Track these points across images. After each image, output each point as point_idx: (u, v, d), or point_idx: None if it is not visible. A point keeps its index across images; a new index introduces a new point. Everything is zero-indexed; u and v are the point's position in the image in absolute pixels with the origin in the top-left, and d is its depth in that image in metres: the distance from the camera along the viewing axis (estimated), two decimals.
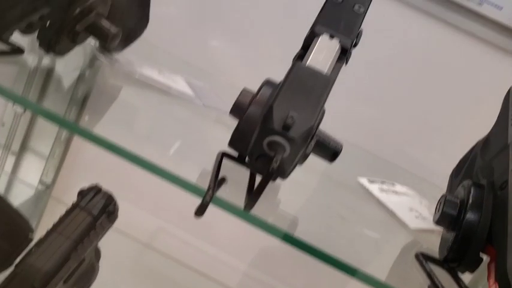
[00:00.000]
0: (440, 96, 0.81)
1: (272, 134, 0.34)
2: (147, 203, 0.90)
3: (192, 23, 0.86)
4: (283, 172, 0.38)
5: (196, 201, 0.37)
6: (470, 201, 0.43)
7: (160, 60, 0.66)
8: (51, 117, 0.47)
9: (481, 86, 0.79)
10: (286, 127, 0.34)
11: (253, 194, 0.36)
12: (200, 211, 0.36)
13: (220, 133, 0.43)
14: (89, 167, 0.88)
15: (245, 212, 0.38)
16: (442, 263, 0.43)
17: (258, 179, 0.37)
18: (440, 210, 0.44)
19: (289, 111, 0.35)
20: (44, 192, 0.87)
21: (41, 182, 0.87)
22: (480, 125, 0.53)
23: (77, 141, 0.87)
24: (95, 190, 0.51)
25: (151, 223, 0.92)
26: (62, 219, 0.49)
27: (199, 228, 0.90)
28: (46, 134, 0.86)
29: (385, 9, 0.78)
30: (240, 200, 0.39)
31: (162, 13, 0.84)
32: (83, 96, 0.54)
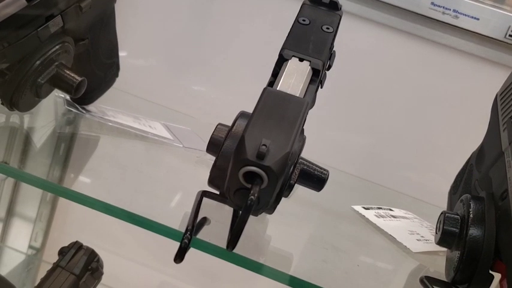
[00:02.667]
0: (429, 113, 0.80)
1: (246, 165, 0.32)
2: (143, 257, 0.87)
3: (171, 72, 0.86)
4: (265, 204, 0.35)
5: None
6: (471, 215, 0.40)
7: (137, 108, 0.65)
8: (34, 183, 0.46)
9: (467, 97, 0.78)
10: (260, 156, 0.32)
11: (234, 231, 0.33)
12: (179, 256, 0.33)
13: (202, 174, 0.41)
14: (79, 225, 0.86)
15: (230, 253, 0.35)
16: (450, 285, 0.40)
17: None
18: (440, 230, 0.41)
19: (262, 139, 0.33)
20: (35, 256, 0.85)
21: (30, 246, 0.85)
22: (473, 136, 0.52)
23: (64, 201, 0.84)
24: (76, 247, 0.49)
25: (148, 277, 0.88)
26: (42, 282, 0.46)
27: (202, 279, 0.86)
28: (31, 196, 0.84)
29: (361, 32, 0.77)
30: (225, 241, 0.36)
31: (140, 65, 0.84)
32: (64, 152, 0.53)
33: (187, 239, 0.34)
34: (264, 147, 0.32)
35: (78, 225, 0.86)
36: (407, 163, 0.80)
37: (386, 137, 0.81)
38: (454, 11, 0.76)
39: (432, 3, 0.76)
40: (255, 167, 0.32)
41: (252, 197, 0.32)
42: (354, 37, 0.77)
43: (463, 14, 0.76)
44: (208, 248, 0.37)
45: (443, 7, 0.76)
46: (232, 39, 0.83)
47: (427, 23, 0.77)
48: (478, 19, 0.75)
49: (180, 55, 0.85)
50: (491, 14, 0.75)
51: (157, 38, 0.86)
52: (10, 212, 0.85)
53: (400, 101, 0.80)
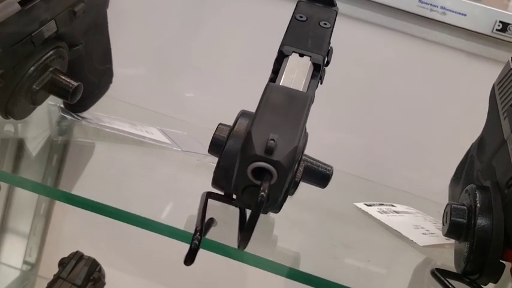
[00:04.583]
0: (420, 110, 0.80)
1: (255, 161, 0.32)
2: (141, 268, 0.85)
3: (162, 79, 0.85)
4: (274, 201, 0.35)
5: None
6: (479, 205, 0.40)
7: (133, 114, 0.64)
8: (35, 188, 0.44)
9: (458, 93, 0.78)
10: (269, 151, 0.31)
11: (245, 229, 0.32)
12: (190, 257, 0.33)
13: (203, 176, 0.40)
14: (74, 239, 0.84)
15: (241, 252, 0.35)
16: (462, 276, 0.40)
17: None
18: (448, 221, 0.41)
19: (269, 134, 0.32)
20: (30, 272, 0.83)
21: (25, 262, 0.83)
22: (465, 131, 0.52)
23: (57, 213, 0.83)
24: (77, 257, 0.48)
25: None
26: None
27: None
28: (24, 210, 0.82)
29: (350, 31, 0.78)
30: (234, 241, 0.35)
31: (131, 74, 0.83)
32: (58, 161, 0.51)
33: (197, 240, 0.33)
34: (272, 141, 0.32)
35: (73, 238, 0.84)
36: (400, 160, 0.80)
37: (380, 135, 0.81)
38: (442, 7, 0.77)
39: (420, 1, 0.77)
40: (264, 162, 0.31)
41: (263, 193, 0.31)
42: (342, 36, 0.76)
43: (451, 11, 0.76)
44: (218, 248, 0.36)
45: (431, 4, 0.77)
46: (222, 45, 0.83)
47: (415, 20, 0.77)
48: (465, 15, 0.76)
49: (170, 62, 0.84)
50: (478, 10, 0.76)
51: (146, 46, 0.85)
52: (3, 227, 0.83)
53: (390, 98, 0.80)
